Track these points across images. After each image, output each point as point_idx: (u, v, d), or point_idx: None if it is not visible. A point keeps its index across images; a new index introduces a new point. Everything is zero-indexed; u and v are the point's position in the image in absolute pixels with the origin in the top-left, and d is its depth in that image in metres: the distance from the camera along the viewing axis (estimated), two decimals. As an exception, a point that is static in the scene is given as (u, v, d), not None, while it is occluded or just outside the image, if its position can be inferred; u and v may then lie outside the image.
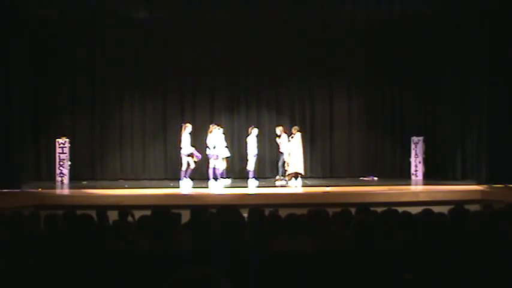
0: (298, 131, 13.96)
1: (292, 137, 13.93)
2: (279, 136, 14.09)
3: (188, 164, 13.42)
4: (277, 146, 14.17)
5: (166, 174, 15.42)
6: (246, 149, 14.18)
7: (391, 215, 5.92)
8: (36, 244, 5.07)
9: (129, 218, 7.49)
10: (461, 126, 14.20)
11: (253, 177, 13.94)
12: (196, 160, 13.41)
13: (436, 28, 14.85)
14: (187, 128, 13.43)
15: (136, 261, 4.37)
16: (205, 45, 15.48)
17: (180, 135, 13.48)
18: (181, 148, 13.43)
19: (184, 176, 13.45)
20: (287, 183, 13.75)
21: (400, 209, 6.43)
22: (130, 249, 4.86)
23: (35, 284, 4.23)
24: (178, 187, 13.14)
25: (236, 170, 15.01)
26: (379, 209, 6.49)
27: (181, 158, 13.48)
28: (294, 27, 15.45)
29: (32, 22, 13.87)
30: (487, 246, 4.74)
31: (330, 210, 5.98)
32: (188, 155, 13.40)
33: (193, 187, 13.15)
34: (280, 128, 14.21)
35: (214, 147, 13.43)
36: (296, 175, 13.76)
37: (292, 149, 13.81)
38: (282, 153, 14.03)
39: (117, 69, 15.40)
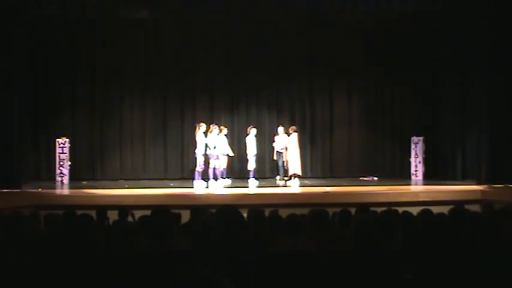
0: (295, 131, 13.98)
1: (289, 137, 13.93)
2: (276, 134, 14.10)
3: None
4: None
5: (166, 174, 15.43)
6: (246, 149, 14.20)
7: (391, 215, 5.91)
8: (36, 244, 5.07)
9: (129, 218, 7.49)
10: (461, 126, 14.19)
11: (253, 177, 13.96)
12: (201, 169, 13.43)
13: (436, 28, 14.85)
14: (202, 128, 13.44)
15: (136, 261, 4.36)
16: (205, 45, 15.48)
17: (195, 136, 13.50)
18: (196, 148, 13.44)
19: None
20: (286, 183, 13.77)
21: (400, 209, 6.42)
22: (131, 249, 4.86)
23: (35, 284, 4.23)
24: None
25: (236, 170, 15.01)
26: (379, 209, 6.49)
27: (196, 158, 13.47)
28: (294, 27, 15.46)
29: (32, 22, 13.87)
30: (487, 246, 4.74)
31: (330, 210, 5.98)
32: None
33: (191, 187, 13.15)
34: (282, 128, 14.21)
35: (214, 147, 13.43)
36: (294, 176, 13.78)
37: (289, 149, 13.82)
38: (281, 153, 14.05)
39: (117, 69, 15.40)
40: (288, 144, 13.88)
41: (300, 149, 14.01)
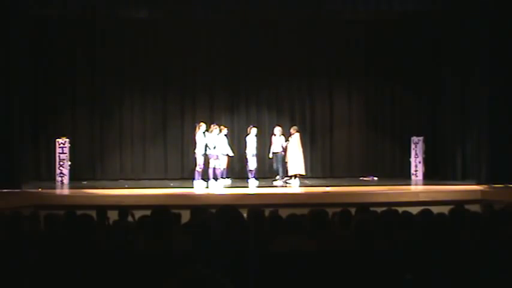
0: (297, 131, 13.98)
1: (290, 137, 13.94)
2: (274, 135, 14.07)
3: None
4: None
5: (166, 174, 15.42)
6: (246, 149, 14.20)
7: (391, 215, 5.92)
8: (36, 244, 5.07)
9: (129, 218, 7.49)
10: (461, 126, 14.19)
11: (253, 177, 13.96)
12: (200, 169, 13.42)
13: (436, 28, 14.86)
14: (201, 128, 13.44)
15: (136, 261, 4.36)
16: (205, 45, 15.48)
17: (194, 135, 13.51)
18: (195, 148, 13.44)
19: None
20: (286, 183, 13.77)
21: (400, 209, 6.43)
22: (131, 249, 4.86)
23: (34, 284, 4.23)
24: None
25: (236, 170, 15.01)
26: (379, 209, 6.49)
27: (195, 158, 13.47)
28: (294, 27, 15.46)
29: (32, 22, 13.86)
30: (487, 246, 4.74)
31: (330, 210, 5.98)
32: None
33: (191, 187, 13.15)
34: (279, 128, 14.18)
35: (214, 147, 13.43)
36: (295, 176, 13.78)
37: (290, 149, 13.82)
38: (276, 153, 14.02)
39: (117, 69, 15.40)
40: (289, 145, 13.88)
41: (302, 149, 14.02)
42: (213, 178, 13.44)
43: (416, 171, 14.72)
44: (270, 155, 14.18)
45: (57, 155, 14.15)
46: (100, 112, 15.41)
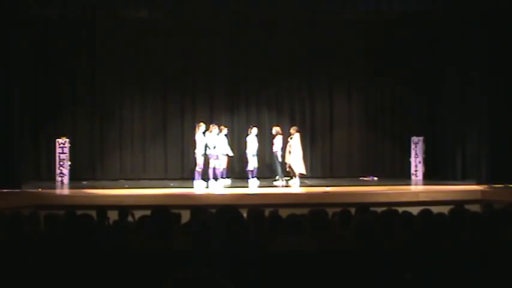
0: (297, 131, 13.98)
1: (291, 138, 13.95)
2: (274, 136, 14.07)
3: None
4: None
5: (166, 174, 15.42)
6: (246, 149, 14.20)
7: (391, 215, 5.92)
8: (36, 244, 5.07)
9: (129, 218, 7.49)
10: (461, 126, 14.20)
11: (254, 176, 13.95)
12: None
13: (436, 28, 14.86)
14: (201, 128, 13.45)
15: (137, 261, 4.36)
16: (205, 45, 15.48)
17: (194, 135, 13.51)
18: (195, 148, 13.45)
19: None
20: (287, 183, 13.78)
21: (400, 209, 6.43)
22: (130, 249, 4.86)
23: (34, 284, 4.23)
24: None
25: (236, 170, 15.01)
26: (379, 209, 6.49)
27: (195, 158, 13.47)
28: (294, 27, 15.46)
29: (32, 22, 13.87)
30: (487, 246, 4.74)
31: (330, 210, 5.99)
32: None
33: (191, 187, 13.15)
34: (277, 128, 14.18)
35: (214, 147, 13.44)
36: (296, 175, 13.79)
37: (292, 149, 13.82)
38: (274, 153, 14.02)
39: (117, 69, 15.40)
40: (290, 145, 13.88)
41: (302, 149, 14.03)
42: (213, 178, 13.44)
43: (416, 171, 14.72)
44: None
45: (57, 155, 14.15)
46: (100, 112, 15.41)
